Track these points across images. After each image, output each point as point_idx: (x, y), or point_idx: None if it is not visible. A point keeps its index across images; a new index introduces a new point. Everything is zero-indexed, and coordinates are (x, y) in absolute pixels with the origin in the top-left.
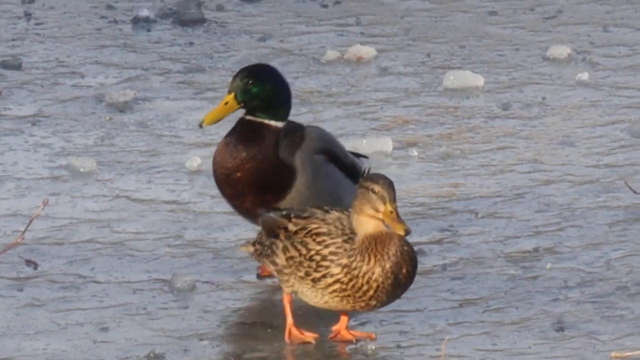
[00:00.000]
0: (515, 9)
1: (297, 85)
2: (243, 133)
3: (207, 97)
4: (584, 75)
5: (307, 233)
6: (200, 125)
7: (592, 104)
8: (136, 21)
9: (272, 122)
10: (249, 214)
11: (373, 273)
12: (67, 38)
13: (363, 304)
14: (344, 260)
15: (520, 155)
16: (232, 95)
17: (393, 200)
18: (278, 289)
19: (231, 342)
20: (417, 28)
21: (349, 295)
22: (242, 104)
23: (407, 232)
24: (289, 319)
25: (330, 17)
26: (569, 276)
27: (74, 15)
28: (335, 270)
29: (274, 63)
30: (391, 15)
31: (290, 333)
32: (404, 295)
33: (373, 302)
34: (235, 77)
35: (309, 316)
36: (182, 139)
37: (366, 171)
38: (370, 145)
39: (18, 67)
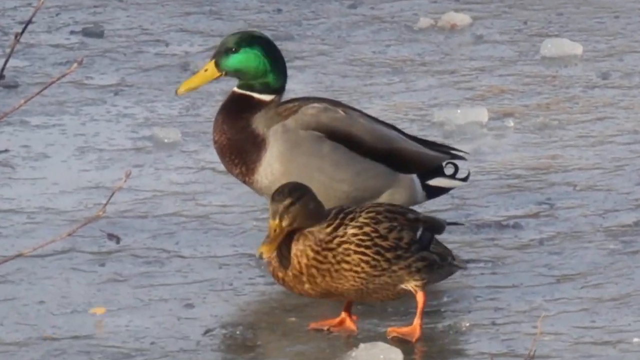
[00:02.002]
0: None
1: (389, 53)
2: (228, 108)
3: (295, 65)
4: None
5: None
6: (176, 92)
7: None
8: None
9: (257, 95)
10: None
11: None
12: (150, 5)
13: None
14: None
15: (620, 126)
16: (213, 62)
17: (271, 216)
18: None
19: (320, 318)
20: None
21: None
22: (224, 73)
23: (259, 256)
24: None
25: None
26: None
27: None
28: None
29: (365, 31)
30: None
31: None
32: (498, 270)
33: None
34: (220, 43)
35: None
36: None
37: (456, 170)
38: (464, 116)
39: (100, 34)
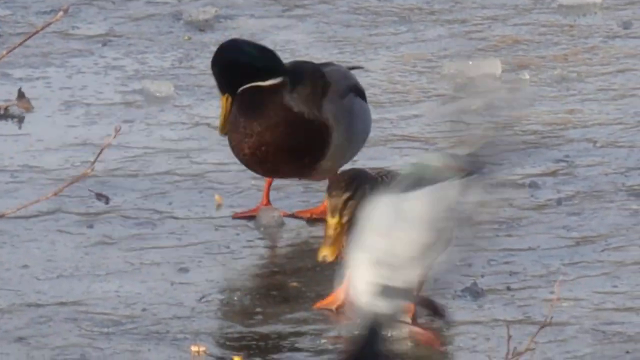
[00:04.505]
0: None
1: (396, 1)
2: (245, 106)
3: (296, 14)
4: None
5: None
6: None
7: None
8: None
9: (267, 82)
10: (292, 176)
11: None
12: None
13: None
14: None
15: None
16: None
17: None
18: None
19: (322, 283)
20: None
21: None
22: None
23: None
24: None
25: None
26: None
27: None
28: None
29: None
30: None
31: None
32: (513, 232)
33: None
34: (214, 73)
35: None
36: None
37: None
38: (477, 68)
39: None
